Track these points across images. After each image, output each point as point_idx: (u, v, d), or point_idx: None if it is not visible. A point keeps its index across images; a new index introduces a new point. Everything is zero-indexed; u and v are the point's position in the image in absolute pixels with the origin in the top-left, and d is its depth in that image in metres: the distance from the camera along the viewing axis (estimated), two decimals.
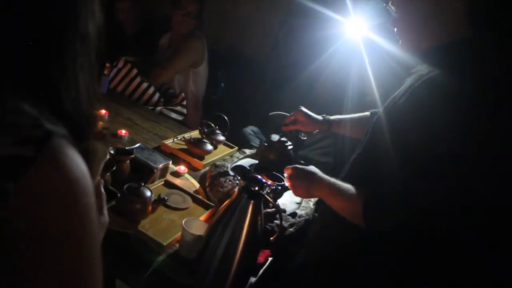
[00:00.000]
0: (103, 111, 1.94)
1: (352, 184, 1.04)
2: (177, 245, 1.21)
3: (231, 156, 1.90)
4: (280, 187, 1.37)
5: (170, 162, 1.60)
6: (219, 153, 1.91)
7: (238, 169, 1.68)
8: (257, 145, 2.12)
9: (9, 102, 0.41)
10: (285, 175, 1.21)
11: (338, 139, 2.20)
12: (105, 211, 0.64)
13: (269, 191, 1.18)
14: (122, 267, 1.12)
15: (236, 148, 2.02)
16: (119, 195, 1.25)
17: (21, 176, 0.38)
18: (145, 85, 2.44)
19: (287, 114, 1.73)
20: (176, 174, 1.64)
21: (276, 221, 1.37)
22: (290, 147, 1.77)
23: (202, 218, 1.34)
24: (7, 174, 0.38)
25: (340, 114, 1.68)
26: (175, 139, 1.89)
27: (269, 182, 1.16)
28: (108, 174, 1.32)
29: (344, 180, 1.08)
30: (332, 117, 1.63)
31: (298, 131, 1.72)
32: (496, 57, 0.94)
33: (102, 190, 0.65)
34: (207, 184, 1.59)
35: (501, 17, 0.93)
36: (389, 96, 1.06)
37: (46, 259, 0.40)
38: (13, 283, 0.39)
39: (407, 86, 0.99)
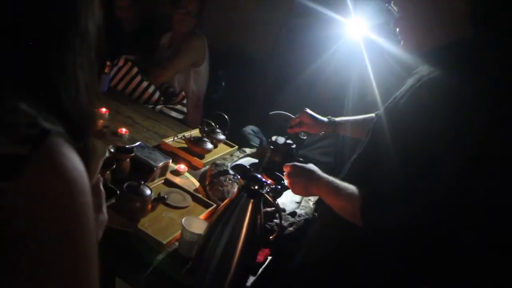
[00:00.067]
0: (104, 110, 1.95)
1: (352, 183, 1.04)
2: (177, 243, 1.21)
3: (231, 155, 1.91)
4: (280, 187, 1.37)
5: (170, 160, 1.60)
6: (219, 152, 1.91)
7: (238, 168, 1.68)
8: (256, 145, 2.12)
9: (8, 102, 0.41)
10: (284, 172, 1.21)
11: (338, 138, 2.20)
12: (105, 209, 0.64)
13: (268, 190, 1.18)
14: (122, 265, 1.13)
15: (236, 147, 2.02)
16: (118, 192, 1.25)
17: (17, 175, 0.38)
18: (145, 83, 2.44)
19: (288, 113, 1.72)
20: (176, 173, 1.64)
21: (275, 220, 1.37)
22: (293, 147, 1.76)
23: (202, 216, 1.34)
24: (3, 173, 0.38)
25: (341, 113, 1.67)
26: (175, 138, 1.89)
27: (269, 181, 1.16)
28: (108, 172, 1.32)
29: (344, 180, 1.07)
30: (337, 119, 1.62)
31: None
32: (497, 57, 0.94)
33: (101, 188, 0.65)
34: (207, 182, 1.59)
35: (502, 17, 0.93)
36: (390, 96, 1.06)
37: (44, 259, 0.40)
38: (13, 283, 0.39)
39: (408, 86, 0.99)
